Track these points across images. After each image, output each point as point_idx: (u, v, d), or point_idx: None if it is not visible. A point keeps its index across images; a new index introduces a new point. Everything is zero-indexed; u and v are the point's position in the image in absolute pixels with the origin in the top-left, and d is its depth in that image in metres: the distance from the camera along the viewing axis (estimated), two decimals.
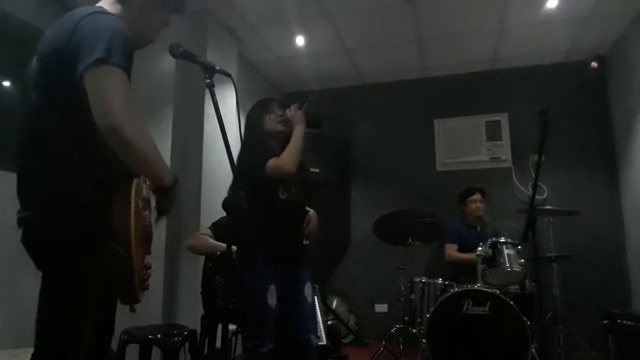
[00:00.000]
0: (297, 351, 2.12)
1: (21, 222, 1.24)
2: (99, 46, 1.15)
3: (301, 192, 2.21)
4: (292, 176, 2.12)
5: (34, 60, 1.30)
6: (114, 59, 1.15)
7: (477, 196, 4.24)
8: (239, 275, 2.16)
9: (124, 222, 1.15)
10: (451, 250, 4.14)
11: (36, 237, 1.22)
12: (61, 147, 1.22)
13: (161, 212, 1.34)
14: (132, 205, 1.17)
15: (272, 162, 2.04)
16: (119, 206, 1.16)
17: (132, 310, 1.28)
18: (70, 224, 1.18)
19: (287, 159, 2.05)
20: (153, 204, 1.35)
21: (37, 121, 1.26)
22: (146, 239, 1.35)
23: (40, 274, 1.24)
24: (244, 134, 2.14)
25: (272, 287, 2.02)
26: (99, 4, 1.36)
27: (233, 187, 2.11)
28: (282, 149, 2.12)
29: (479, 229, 4.21)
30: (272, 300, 2.00)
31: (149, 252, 1.37)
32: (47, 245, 1.21)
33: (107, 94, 1.13)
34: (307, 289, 2.18)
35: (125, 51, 1.20)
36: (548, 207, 3.77)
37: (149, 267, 1.35)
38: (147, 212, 1.35)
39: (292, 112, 2.20)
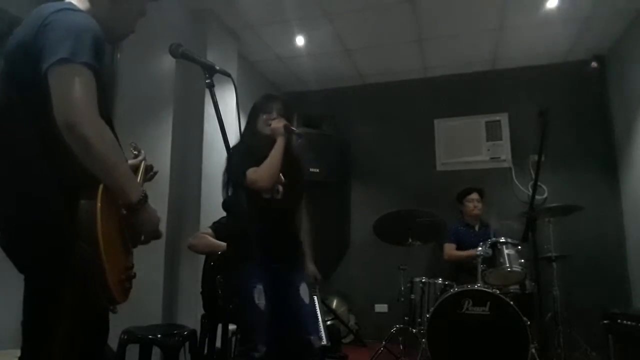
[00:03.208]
0: (298, 354, 2.07)
1: None
2: (64, 44, 1.12)
3: (292, 192, 2.17)
4: (280, 178, 2.09)
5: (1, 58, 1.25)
6: (79, 58, 1.12)
7: (475, 195, 4.24)
8: (230, 275, 2.15)
9: (88, 220, 1.12)
10: (450, 250, 4.14)
11: (9, 241, 1.21)
12: (27, 148, 1.19)
13: (130, 231, 1.28)
14: (98, 204, 1.13)
15: (250, 175, 2.02)
16: (85, 205, 1.13)
17: (113, 311, 1.25)
18: (37, 225, 1.16)
19: (262, 175, 2.03)
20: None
21: (2, 120, 1.22)
22: (125, 238, 1.30)
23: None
24: (245, 124, 2.21)
25: (260, 287, 1.97)
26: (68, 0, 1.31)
27: (226, 186, 2.15)
28: (269, 151, 2.09)
29: (476, 228, 4.22)
30: (259, 300, 1.95)
31: (130, 252, 1.33)
32: (19, 248, 1.20)
33: (68, 90, 1.09)
34: (303, 289, 2.12)
35: (92, 49, 1.16)
36: (550, 206, 3.75)
37: (131, 267, 1.31)
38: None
39: (275, 123, 2.13)
